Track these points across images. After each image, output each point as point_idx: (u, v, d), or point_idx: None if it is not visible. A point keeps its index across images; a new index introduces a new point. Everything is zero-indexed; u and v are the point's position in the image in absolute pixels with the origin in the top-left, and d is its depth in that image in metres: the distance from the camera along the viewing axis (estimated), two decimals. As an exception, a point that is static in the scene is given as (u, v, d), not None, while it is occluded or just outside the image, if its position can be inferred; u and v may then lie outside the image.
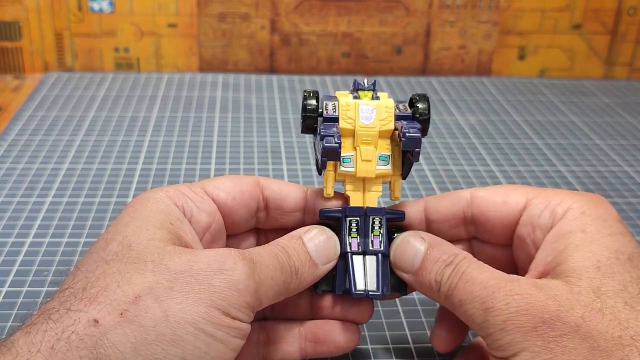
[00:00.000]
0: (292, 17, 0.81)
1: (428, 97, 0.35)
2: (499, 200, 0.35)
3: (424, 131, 0.34)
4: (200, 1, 0.79)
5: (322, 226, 0.34)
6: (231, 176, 0.36)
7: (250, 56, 0.82)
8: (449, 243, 0.34)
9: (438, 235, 0.36)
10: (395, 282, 0.35)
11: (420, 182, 0.58)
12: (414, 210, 0.36)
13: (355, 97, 0.35)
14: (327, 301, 0.35)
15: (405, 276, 0.34)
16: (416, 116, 0.35)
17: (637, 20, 0.84)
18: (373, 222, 0.35)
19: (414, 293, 0.43)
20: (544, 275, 0.32)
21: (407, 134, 0.33)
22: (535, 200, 0.35)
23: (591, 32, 0.85)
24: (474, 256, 0.33)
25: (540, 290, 0.29)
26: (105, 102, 0.72)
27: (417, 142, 0.33)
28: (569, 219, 0.33)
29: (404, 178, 0.36)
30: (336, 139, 0.33)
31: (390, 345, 0.39)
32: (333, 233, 0.34)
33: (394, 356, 0.38)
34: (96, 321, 0.27)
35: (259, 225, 0.37)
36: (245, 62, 0.83)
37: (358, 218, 0.35)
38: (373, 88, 0.35)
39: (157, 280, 0.28)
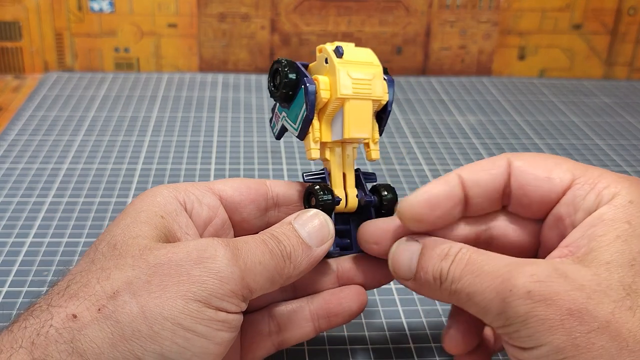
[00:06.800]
0: (292, 17, 0.81)
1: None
2: (540, 174, 0.32)
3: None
4: (200, 1, 0.79)
5: (315, 209, 0.34)
6: (238, 177, 0.37)
7: (250, 56, 0.82)
8: (446, 240, 0.32)
9: (476, 212, 0.34)
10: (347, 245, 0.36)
11: (421, 182, 0.58)
12: (450, 186, 0.33)
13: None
14: (349, 266, 0.36)
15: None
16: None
17: (637, 20, 0.84)
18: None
19: (413, 292, 0.43)
20: (570, 254, 0.29)
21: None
22: (581, 180, 0.31)
23: (591, 32, 0.85)
24: (490, 229, 0.32)
25: (566, 278, 0.27)
26: (105, 102, 0.72)
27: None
28: (615, 205, 0.30)
29: (380, 134, 0.37)
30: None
31: (390, 346, 0.39)
32: (325, 214, 0.34)
33: (394, 356, 0.38)
34: (74, 316, 0.27)
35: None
36: (245, 62, 0.83)
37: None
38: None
39: (136, 275, 0.28)
